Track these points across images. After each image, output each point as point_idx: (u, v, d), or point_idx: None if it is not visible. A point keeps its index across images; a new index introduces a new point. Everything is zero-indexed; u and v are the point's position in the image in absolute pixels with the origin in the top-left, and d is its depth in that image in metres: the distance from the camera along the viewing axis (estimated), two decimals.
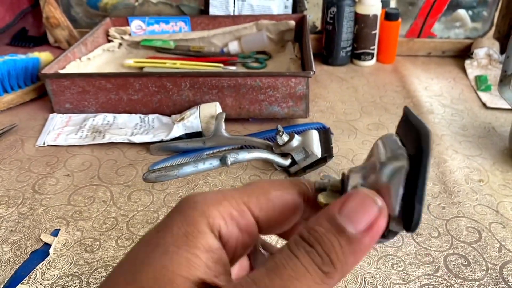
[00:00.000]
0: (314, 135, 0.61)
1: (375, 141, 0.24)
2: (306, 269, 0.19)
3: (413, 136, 0.22)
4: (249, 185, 0.24)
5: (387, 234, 0.21)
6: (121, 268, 0.21)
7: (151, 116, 0.74)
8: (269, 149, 0.61)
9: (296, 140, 0.59)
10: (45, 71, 0.74)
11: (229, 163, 0.55)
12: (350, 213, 0.19)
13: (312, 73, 0.68)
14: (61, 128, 0.71)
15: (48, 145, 0.68)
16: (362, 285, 0.44)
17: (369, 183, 0.22)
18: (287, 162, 0.59)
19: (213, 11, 1.02)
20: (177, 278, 0.19)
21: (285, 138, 0.59)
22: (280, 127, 0.59)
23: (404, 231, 0.21)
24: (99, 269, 0.47)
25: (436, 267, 0.46)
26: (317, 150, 0.59)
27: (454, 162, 0.62)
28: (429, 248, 0.48)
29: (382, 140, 0.23)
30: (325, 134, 0.64)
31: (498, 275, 0.45)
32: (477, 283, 0.44)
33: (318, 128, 0.70)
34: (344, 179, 0.23)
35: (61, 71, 0.79)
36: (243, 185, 0.24)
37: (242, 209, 0.22)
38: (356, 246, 0.19)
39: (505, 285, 0.44)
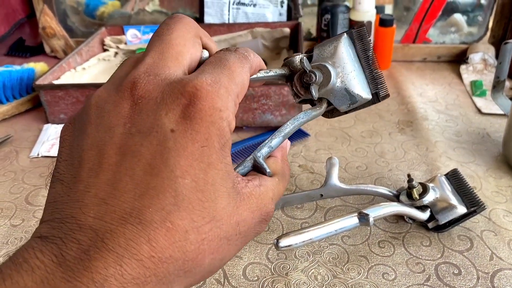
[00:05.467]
0: (444, 183, 0.53)
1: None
2: (280, 184, 0.28)
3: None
4: (234, 78, 0.25)
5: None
6: (185, 191, 0.22)
7: None
8: (396, 199, 0.53)
9: (432, 192, 0.51)
10: (40, 82, 0.75)
11: (372, 223, 0.43)
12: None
13: None
14: (55, 139, 0.72)
15: (42, 156, 0.68)
16: None
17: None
18: (425, 215, 0.51)
19: (208, 19, 1.02)
20: (230, 192, 0.23)
21: (420, 189, 0.51)
22: (410, 176, 0.51)
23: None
24: None
25: (427, 276, 0.46)
26: (455, 201, 0.50)
27: (447, 169, 0.62)
28: (420, 257, 0.48)
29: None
30: (456, 180, 0.55)
31: (489, 284, 0.45)
32: None
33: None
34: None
35: (56, 82, 0.79)
36: (227, 74, 0.25)
37: (238, 101, 0.25)
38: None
39: None
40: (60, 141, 0.24)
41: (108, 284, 0.18)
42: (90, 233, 0.19)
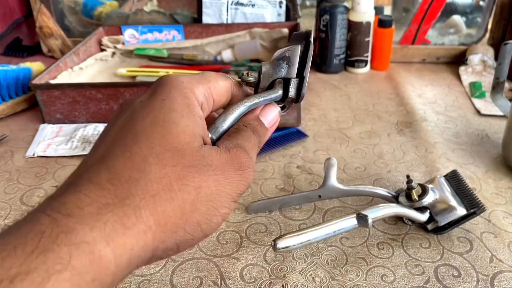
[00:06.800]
0: (444, 184, 0.53)
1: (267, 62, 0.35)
2: (252, 135, 0.30)
3: (298, 36, 0.34)
4: (206, 74, 0.31)
5: (285, 108, 0.34)
6: (144, 128, 0.25)
7: None
8: (395, 200, 0.52)
9: (432, 194, 0.50)
10: (36, 81, 0.74)
11: (371, 224, 0.44)
12: (265, 115, 0.33)
13: None
14: (52, 139, 0.71)
15: (37, 156, 0.67)
16: None
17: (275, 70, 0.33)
18: (425, 217, 0.50)
19: (206, 19, 1.02)
20: (196, 134, 0.26)
21: (419, 190, 0.51)
22: (409, 177, 0.50)
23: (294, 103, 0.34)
24: None
25: (427, 278, 0.45)
26: (455, 203, 0.50)
27: (446, 170, 0.61)
28: (419, 259, 0.48)
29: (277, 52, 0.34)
30: (456, 181, 0.54)
31: (489, 286, 0.44)
32: None
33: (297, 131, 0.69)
34: (260, 72, 0.34)
35: (52, 81, 0.78)
36: (200, 73, 0.31)
37: (209, 91, 0.30)
38: (267, 130, 0.33)
39: None
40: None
41: (66, 209, 0.21)
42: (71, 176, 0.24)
